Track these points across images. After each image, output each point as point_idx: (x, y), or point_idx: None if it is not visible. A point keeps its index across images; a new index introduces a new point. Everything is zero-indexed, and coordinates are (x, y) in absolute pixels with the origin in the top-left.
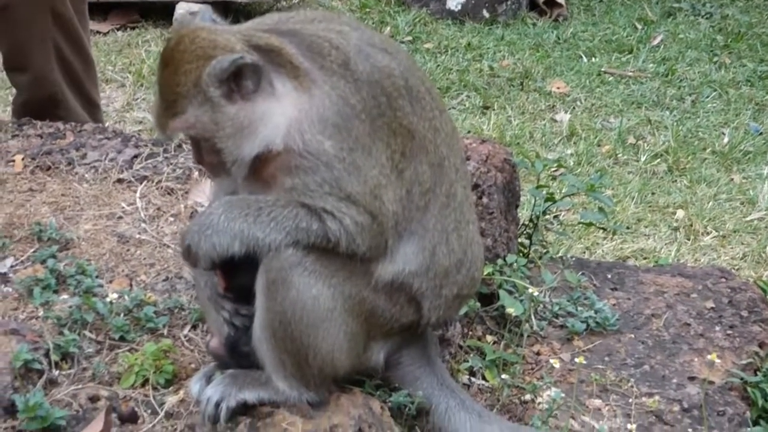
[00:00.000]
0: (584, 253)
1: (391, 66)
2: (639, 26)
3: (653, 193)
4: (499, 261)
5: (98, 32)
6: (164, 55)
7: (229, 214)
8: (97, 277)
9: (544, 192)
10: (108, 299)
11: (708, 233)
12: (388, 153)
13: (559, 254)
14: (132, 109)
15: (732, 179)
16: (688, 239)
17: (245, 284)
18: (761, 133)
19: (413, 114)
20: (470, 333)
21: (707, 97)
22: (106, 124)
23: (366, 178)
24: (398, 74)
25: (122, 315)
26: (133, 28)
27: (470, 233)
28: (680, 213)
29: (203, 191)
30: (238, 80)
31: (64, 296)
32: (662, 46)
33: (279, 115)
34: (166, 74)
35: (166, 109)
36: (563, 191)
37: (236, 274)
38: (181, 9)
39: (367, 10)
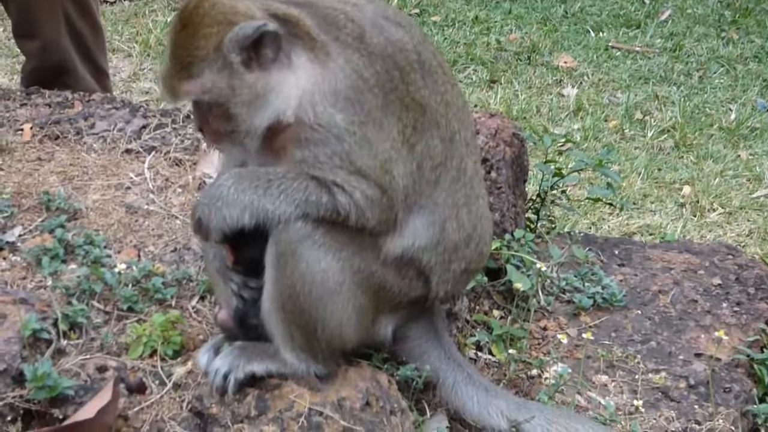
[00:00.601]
0: (590, 228)
1: (404, 40)
2: (647, 1)
3: (660, 169)
4: (507, 236)
5: (106, 1)
6: (182, 16)
7: (239, 185)
8: (105, 247)
9: (552, 167)
10: (116, 270)
11: (714, 210)
12: (400, 127)
13: (566, 229)
14: (138, 79)
15: (739, 156)
16: (694, 215)
17: (254, 257)
18: None
19: (425, 88)
20: (477, 308)
21: (714, 72)
22: (114, 94)
23: (377, 152)
24: (411, 48)
25: (130, 286)
26: None
27: (480, 208)
28: (687, 189)
29: (212, 162)
30: (258, 48)
31: (73, 266)
32: (670, 21)
33: (293, 86)
34: (182, 36)
35: (179, 72)
36: (570, 166)
37: (245, 247)
38: None
39: None
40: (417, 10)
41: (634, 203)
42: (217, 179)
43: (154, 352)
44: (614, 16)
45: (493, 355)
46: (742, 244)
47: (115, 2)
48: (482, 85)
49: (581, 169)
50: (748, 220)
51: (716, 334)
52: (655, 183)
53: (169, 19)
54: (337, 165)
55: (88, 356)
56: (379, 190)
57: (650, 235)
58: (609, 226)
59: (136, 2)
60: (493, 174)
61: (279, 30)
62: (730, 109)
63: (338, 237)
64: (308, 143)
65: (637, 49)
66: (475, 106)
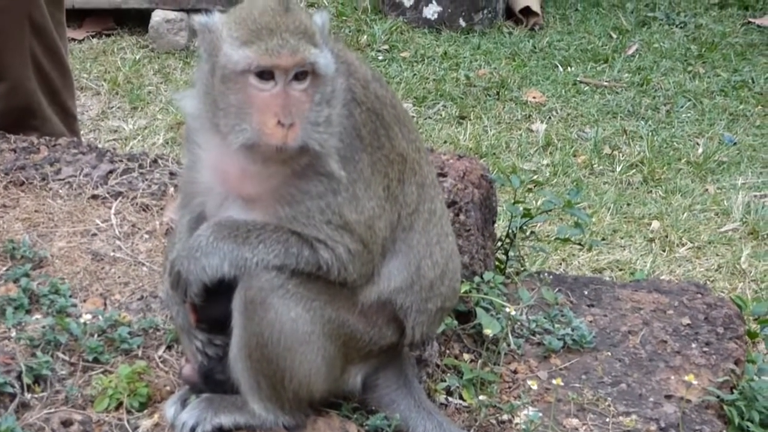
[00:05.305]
0: (561, 264)
1: (385, 94)
2: (614, 35)
3: (629, 204)
4: (476, 278)
5: (73, 39)
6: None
7: (217, 234)
8: (70, 296)
9: (521, 208)
10: (82, 320)
11: (683, 244)
12: (386, 183)
13: (536, 264)
14: (107, 118)
15: (706, 190)
16: (664, 250)
17: (217, 315)
18: (735, 144)
19: (404, 139)
20: (448, 351)
21: (682, 107)
22: (81, 133)
23: (364, 209)
24: (389, 102)
25: (96, 336)
26: (108, 36)
27: (450, 244)
28: (655, 224)
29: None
30: None
31: (37, 316)
32: (637, 56)
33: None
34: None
35: (303, 37)
36: (539, 203)
37: (207, 306)
38: (157, 17)
39: (344, 18)
40: (386, 46)
41: (603, 239)
42: (195, 232)
43: (120, 405)
44: (582, 50)
45: (463, 400)
46: (711, 279)
47: (83, 40)
48: (451, 121)
49: (550, 210)
50: (717, 255)
51: (686, 377)
52: (624, 218)
53: (138, 57)
54: (325, 220)
55: (52, 410)
56: (361, 245)
57: (620, 270)
58: (579, 262)
59: (105, 40)
60: (462, 216)
61: None
62: (698, 143)
63: (311, 286)
64: (303, 196)
65: (605, 83)
66: (445, 142)
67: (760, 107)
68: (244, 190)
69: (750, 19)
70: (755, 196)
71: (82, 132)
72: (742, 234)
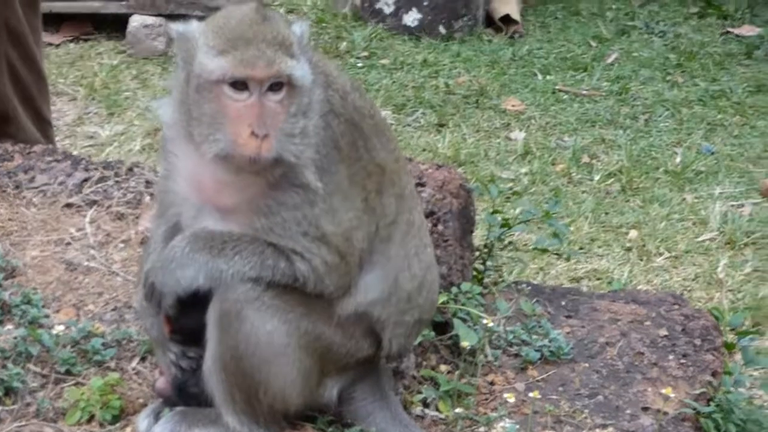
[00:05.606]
0: (538, 273)
1: (364, 105)
2: (593, 44)
3: (607, 213)
4: (454, 289)
5: (50, 44)
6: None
7: (193, 246)
8: (43, 306)
9: (499, 218)
10: (54, 331)
11: (660, 254)
12: (363, 195)
13: (514, 274)
14: (83, 124)
15: (684, 199)
16: (641, 260)
17: (191, 327)
18: (713, 153)
19: (382, 150)
20: (424, 362)
21: (660, 116)
22: (57, 139)
23: (341, 221)
24: (367, 113)
25: (68, 347)
26: (85, 41)
27: (428, 256)
28: (633, 233)
29: None
30: None
31: (9, 327)
32: (616, 65)
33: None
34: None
35: (279, 48)
36: (518, 211)
37: (181, 317)
38: (135, 22)
39: (324, 24)
40: (366, 53)
41: (581, 248)
42: (171, 243)
43: (92, 418)
44: (561, 59)
45: (440, 412)
46: (689, 289)
47: (60, 44)
48: (431, 129)
49: (528, 220)
50: (694, 264)
51: (663, 390)
52: (602, 227)
53: (115, 62)
54: (302, 231)
55: (23, 423)
56: (338, 257)
57: (598, 279)
58: (557, 271)
59: (82, 45)
60: (440, 227)
61: None
62: (676, 153)
63: (287, 299)
64: (280, 207)
65: (584, 92)
66: (424, 150)
67: (738, 117)
68: (219, 200)
69: (729, 29)
70: (732, 205)
71: (57, 138)
72: (719, 243)
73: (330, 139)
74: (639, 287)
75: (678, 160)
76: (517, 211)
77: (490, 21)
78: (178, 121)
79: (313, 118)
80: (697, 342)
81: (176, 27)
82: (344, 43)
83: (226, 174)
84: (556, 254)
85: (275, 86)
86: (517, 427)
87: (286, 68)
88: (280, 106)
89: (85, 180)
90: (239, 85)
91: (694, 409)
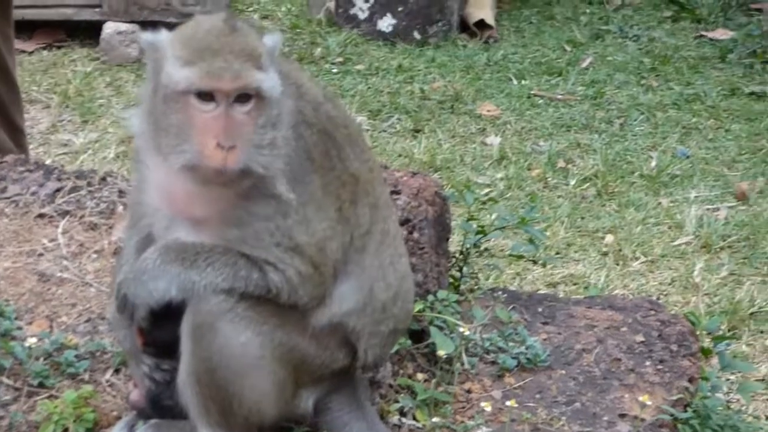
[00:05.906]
0: (515, 279)
1: (337, 115)
2: (568, 48)
3: (583, 218)
4: (430, 297)
5: (23, 51)
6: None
7: (165, 257)
8: (15, 318)
9: (475, 225)
10: (27, 343)
11: (637, 258)
12: (337, 205)
13: (490, 280)
14: (57, 131)
15: (660, 203)
16: (617, 264)
17: (165, 339)
18: (688, 157)
19: (356, 159)
20: (401, 371)
21: (635, 120)
22: (30, 147)
23: (315, 231)
24: (341, 123)
25: (41, 360)
26: (59, 48)
27: (403, 266)
28: (609, 238)
29: None
30: None
31: None
32: (591, 69)
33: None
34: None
35: (248, 60)
36: (493, 217)
37: (154, 329)
38: (108, 29)
39: (298, 30)
40: (341, 59)
41: (557, 253)
42: (143, 254)
43: (66, 431)
44: (536, 63)
45: (417, 421)
46: (665, 293)
47: (33, 52)
48: (406, 135)
49: (504, 227)
50: (670, 269)
51: (640, 397)
52: (578, 232)
53: (89, 69)
54: (275, 242)
55: None
56: (312, 267)
57: (574, 285)
58: (533, 276)
59: (55, 52)
60: (416, 234)
61: None
62: (651, 157)
63: (261, 310)
64: (252, 218)
65: (559, 96)
66: (399, 156)
67: (712, 120)
68: (191, 211)
69: (702, 33)
70: (708, 209)
71: (31, 146)
72: (695, 247)
73: (302, 150)
74: (615, 292)
75: (653, 164)
76: (493, 217)
77: (464, 26)
78: (147, 132)
79: (282, 130)
80: (674, 348)
81: (145, 36)
82: (319, 49)
83: (195, 185)
84: (533, 260)
85: (243, 98)
86: None
87: (254, 80)
88: (248, 118)
89: (58, 190)
90: (206, 96)
91: (672, 415)
